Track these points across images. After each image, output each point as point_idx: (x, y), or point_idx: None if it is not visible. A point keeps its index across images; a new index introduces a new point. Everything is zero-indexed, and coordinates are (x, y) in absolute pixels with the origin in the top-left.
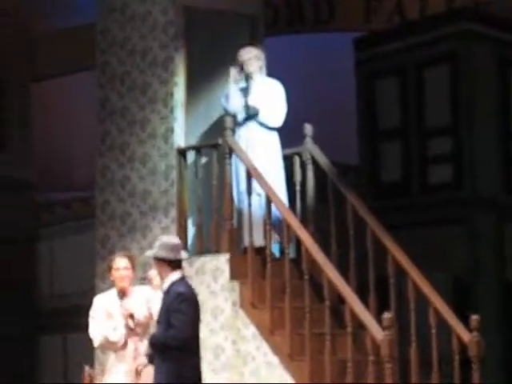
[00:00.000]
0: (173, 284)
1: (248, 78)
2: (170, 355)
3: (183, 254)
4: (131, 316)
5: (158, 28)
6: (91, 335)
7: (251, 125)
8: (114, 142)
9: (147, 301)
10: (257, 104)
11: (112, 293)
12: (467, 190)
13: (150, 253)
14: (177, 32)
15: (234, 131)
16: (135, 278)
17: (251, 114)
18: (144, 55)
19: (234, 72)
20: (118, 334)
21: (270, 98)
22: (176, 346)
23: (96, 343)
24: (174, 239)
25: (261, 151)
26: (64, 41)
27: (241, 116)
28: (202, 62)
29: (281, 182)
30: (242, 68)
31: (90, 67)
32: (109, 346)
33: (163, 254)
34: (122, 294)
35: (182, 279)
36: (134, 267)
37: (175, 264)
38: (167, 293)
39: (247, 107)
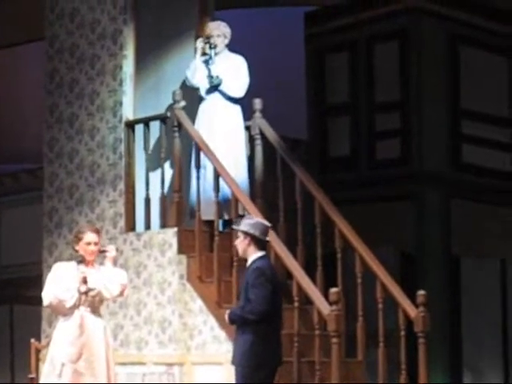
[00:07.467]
0: (254, 261)
1: (213, 51)
2: (248, 329)
3: (268, 238)
4: (84, 280)
5: (107, 0)
6: (43, 296)
7: (214, 97)
8: (63, 115)
9: (105, 279)
10: (220, 74)
11: (72, 264)
12: (415, 165)
13: (243, 227)
14: (126, 5)
15: (181, 104)
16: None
17: (215, 84)
18: (93, 28)
19: (200, 44)
20: (68, 294)
21: (232, 69)
22: (253, 320)
23: (46, 302)
24: (266, 222)
25: (223, 123)
26: (13, 11)
27: (204, 88)
28: (152, 35)
29: (242, 153)
30: (207, 39)
31: (38, 39)
32: (58, 304)
33: (256, 232)
34: (86, 265)
35: (263, 257)
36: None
37: (262, 244)
38: (248, 269)
39: (211, 77)
